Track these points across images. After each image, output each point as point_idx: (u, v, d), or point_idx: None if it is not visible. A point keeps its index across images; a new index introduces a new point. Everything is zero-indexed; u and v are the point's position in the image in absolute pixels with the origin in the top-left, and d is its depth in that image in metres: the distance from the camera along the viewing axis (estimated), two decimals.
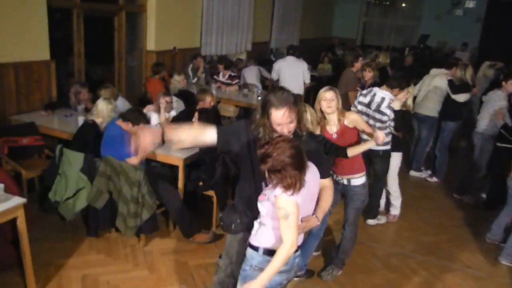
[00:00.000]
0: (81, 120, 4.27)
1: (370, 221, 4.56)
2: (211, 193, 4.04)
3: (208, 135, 2.28)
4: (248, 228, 2.26)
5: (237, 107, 6.25)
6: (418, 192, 5.50)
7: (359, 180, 3.32)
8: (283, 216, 1.94)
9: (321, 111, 3.23)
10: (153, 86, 5.86)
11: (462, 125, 5.99)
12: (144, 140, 2.21)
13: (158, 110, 4.47)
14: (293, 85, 6.04)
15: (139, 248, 3.74)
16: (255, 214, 2.19)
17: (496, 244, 4.24)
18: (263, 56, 9.89)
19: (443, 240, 4.35)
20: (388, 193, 4.68)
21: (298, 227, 2.03)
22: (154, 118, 4.47)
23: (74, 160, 3.61)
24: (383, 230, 4.49)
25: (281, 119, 2.14)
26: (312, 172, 2.13)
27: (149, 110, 4.48)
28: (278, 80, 6.53)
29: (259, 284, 1.94)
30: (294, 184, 1.94)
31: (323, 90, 3.23)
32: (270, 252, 2.07)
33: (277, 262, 1.94)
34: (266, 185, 2.17)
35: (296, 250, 2.12)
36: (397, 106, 4.04)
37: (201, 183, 4.05)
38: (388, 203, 4.77)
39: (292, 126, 2.18)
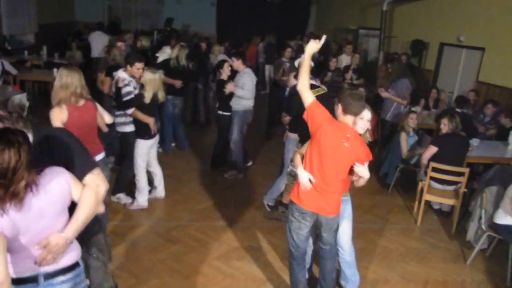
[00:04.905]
0: None
1: (112, 198, 4.56)
2: None
3: None
4: None
5: None
6: (185, 165, 5.94)
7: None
8: None
9: None
10: None
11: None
12: None
13: None
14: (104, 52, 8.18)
15: None
16: None
17: (271, 205, 4.74)
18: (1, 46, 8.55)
19: (213, 204, 4.88)
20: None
21: (48, 253, 1.78)
22: None
23: None
24: (159, 208, 4.69)
25: None
26: (47, 179, 1.77)
27: None
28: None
29: None
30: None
31: None
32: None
33: None
34: None
35: (60, 274, 1.86)
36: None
37: None
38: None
39: None
